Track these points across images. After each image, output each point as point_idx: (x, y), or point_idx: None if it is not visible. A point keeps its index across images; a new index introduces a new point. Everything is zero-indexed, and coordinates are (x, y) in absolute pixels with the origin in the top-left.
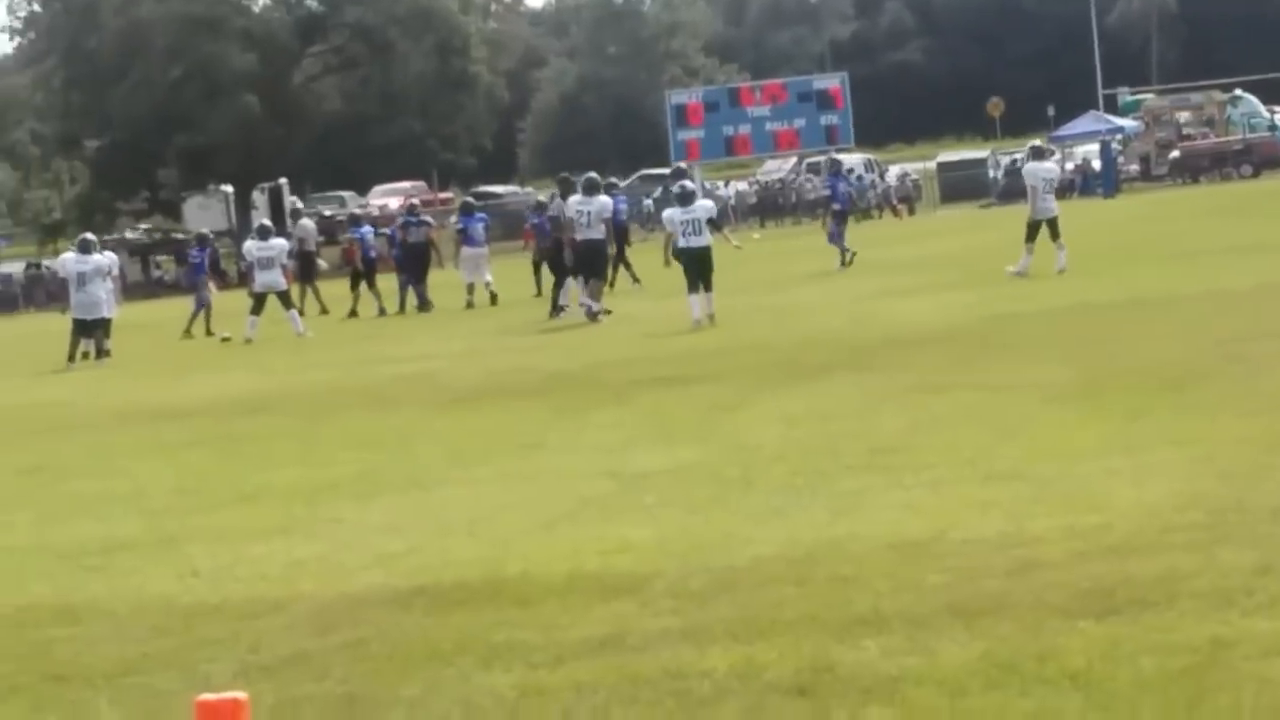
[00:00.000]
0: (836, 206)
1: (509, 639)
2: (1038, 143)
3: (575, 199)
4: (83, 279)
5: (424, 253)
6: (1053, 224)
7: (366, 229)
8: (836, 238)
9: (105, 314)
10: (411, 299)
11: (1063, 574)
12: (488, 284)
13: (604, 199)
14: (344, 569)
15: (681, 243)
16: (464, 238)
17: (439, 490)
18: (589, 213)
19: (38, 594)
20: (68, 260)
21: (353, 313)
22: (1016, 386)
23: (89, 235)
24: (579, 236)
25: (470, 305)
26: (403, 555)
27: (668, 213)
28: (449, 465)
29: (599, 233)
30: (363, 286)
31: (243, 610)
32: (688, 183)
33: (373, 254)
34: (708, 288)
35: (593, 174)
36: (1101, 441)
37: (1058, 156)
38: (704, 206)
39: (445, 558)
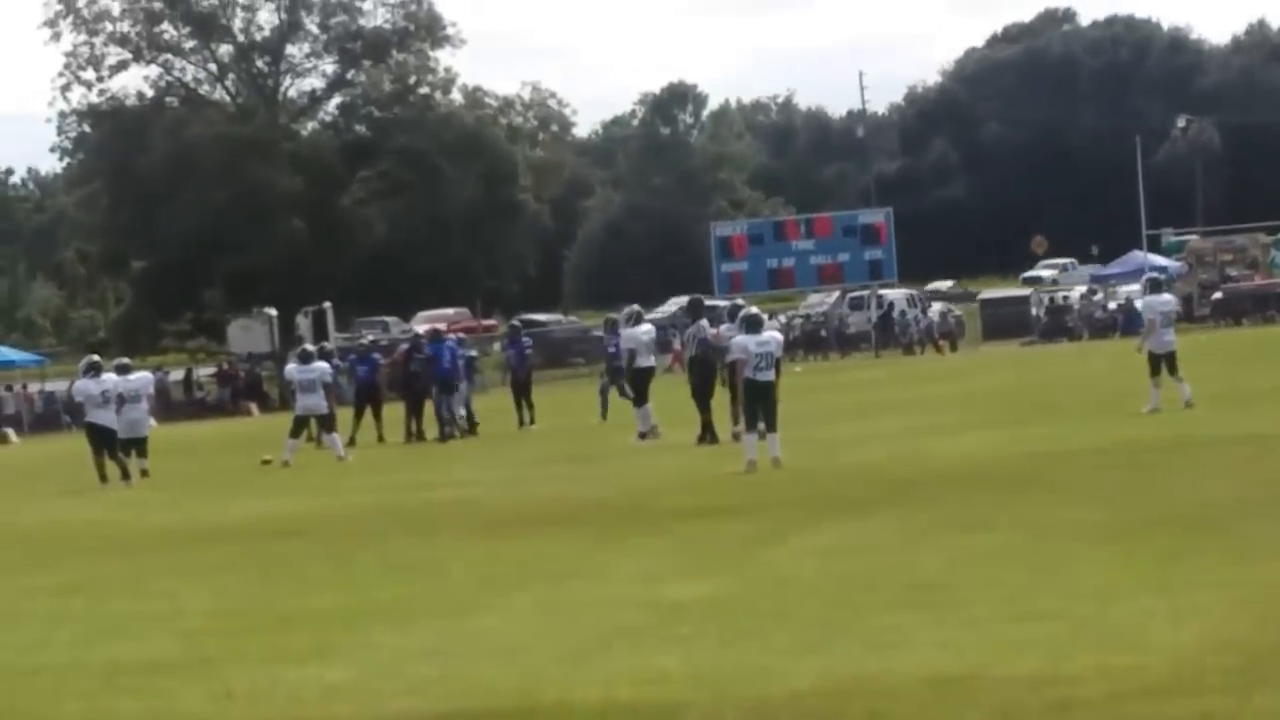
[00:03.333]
0: (616, 363)
1: None
2: (1155, 275)
3: (635, 330)
4: (105, 398)
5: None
6: (1171, 358)
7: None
8: (603, 390)
9: (131, 433)
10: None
11: (1099, 714)
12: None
13: (648, 326)
14: (379, 694)
15: (749, 373)
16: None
17: (474, 617)
18: (645, 341)
19: (72, 712)
20: (86, 384)
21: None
22: (1056, 526)
23: (95, 357)
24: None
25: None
26: (437, 681)
27: (739, 340)
28: (485, 592)
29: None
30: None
31: None
32: (754, 308)
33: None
34: (772, 428)
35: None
36: (1139, 582)
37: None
38: (775, 338)
39: (479, 684)
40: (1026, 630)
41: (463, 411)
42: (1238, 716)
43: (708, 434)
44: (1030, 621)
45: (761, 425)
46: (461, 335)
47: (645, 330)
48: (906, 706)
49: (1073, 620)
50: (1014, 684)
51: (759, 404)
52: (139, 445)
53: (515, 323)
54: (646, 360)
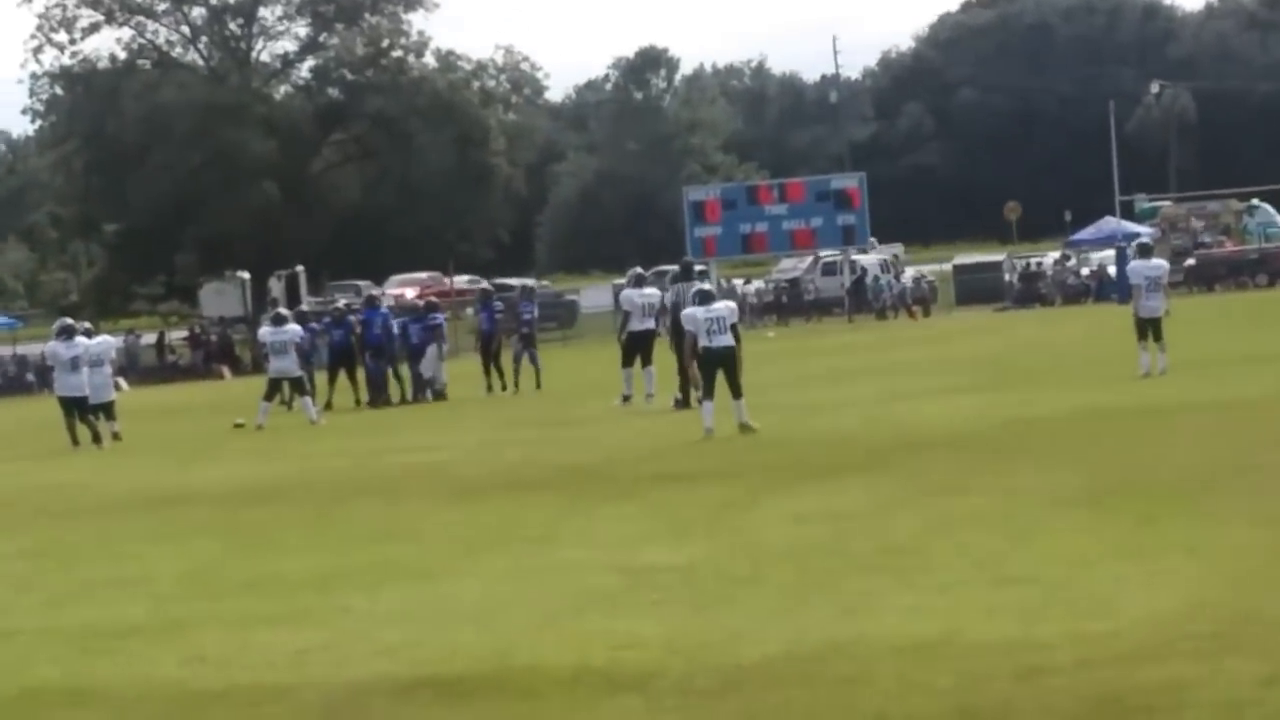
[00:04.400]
0: (526, 330)
1: None
2: (1144, 240)
3: (632, 291)
4: (75, 363)
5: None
6: (1156, 324)
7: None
8: (516, 358)
9: (96, 398)
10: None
11: (1070, 680)
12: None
13: (653, 290)
14: (350, 658)
15: (704, 341)
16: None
17: (447, 581)
18: (647, 303)
19: (44, 677)
20: (56, 347)
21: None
22: (1028, 491)
23: (68, 320)
24: (639, 328)
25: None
26: (409, 645)
27: (688, 311)
28: (457, 557)
29: (652, 323)
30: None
31: (248, 697)
32: (706, 285)
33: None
34: (737, 394)
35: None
36: (1111, 548)
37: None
38: (726, 307)
39: (452, 649)
40: (998, 595)
41: (431, 375)
42: (1209, 682)
43: (684, 399)
44: (1002, 587)
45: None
46: (434, 299)
47: (643, 293)
48: (878, 671)
49: (1045, 586)
50: (986, 649)
51: (717, 370)
52: (106, 409)
53: (487, 286)
54: (640, 324)
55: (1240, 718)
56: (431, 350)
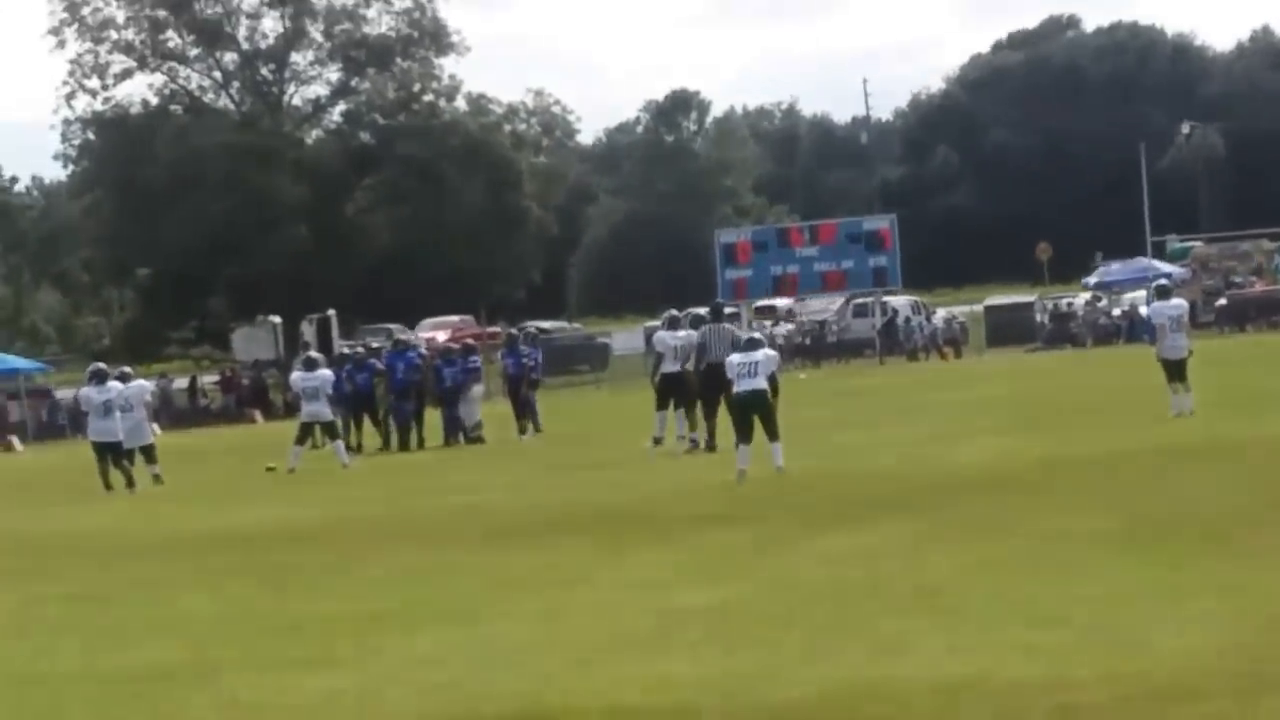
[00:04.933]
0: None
1: None
2: (1163, 281)
3: (665, 334)
4: (107, 408)
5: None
6: (1181, 365)
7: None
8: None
9: (131, 441)
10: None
11: (1106, 718)
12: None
13: (688, 332)
14: (384, 701)
15: (737, 386)
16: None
17: (481, 624)
18: (680, 346)
19: None
20: (89, 392)
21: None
22: (1062, 532)
23: (101, 365)
24: (670, 370)
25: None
26: (444, 687)
27: (731, 358)
28: (491, 599)
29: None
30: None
31: None
32: (757, 334)
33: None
34: (773, 437)
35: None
36: (1146, 588)
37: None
38: (765, 355)
39: (486, 690)
40: (1033, 636)
41: (477, 418)
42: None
43: (711, 442)
44: (1037, 627)
45: (758, 439)
46: (472, 342)
47: (676, 335)
48: (913, 712)
49: (1079, 626)
50: (1021, 689)
51: (748, 414)
52: (146, 452)
53: (513, 331)
54: (673, 366)
55: None
56: (473, 392)
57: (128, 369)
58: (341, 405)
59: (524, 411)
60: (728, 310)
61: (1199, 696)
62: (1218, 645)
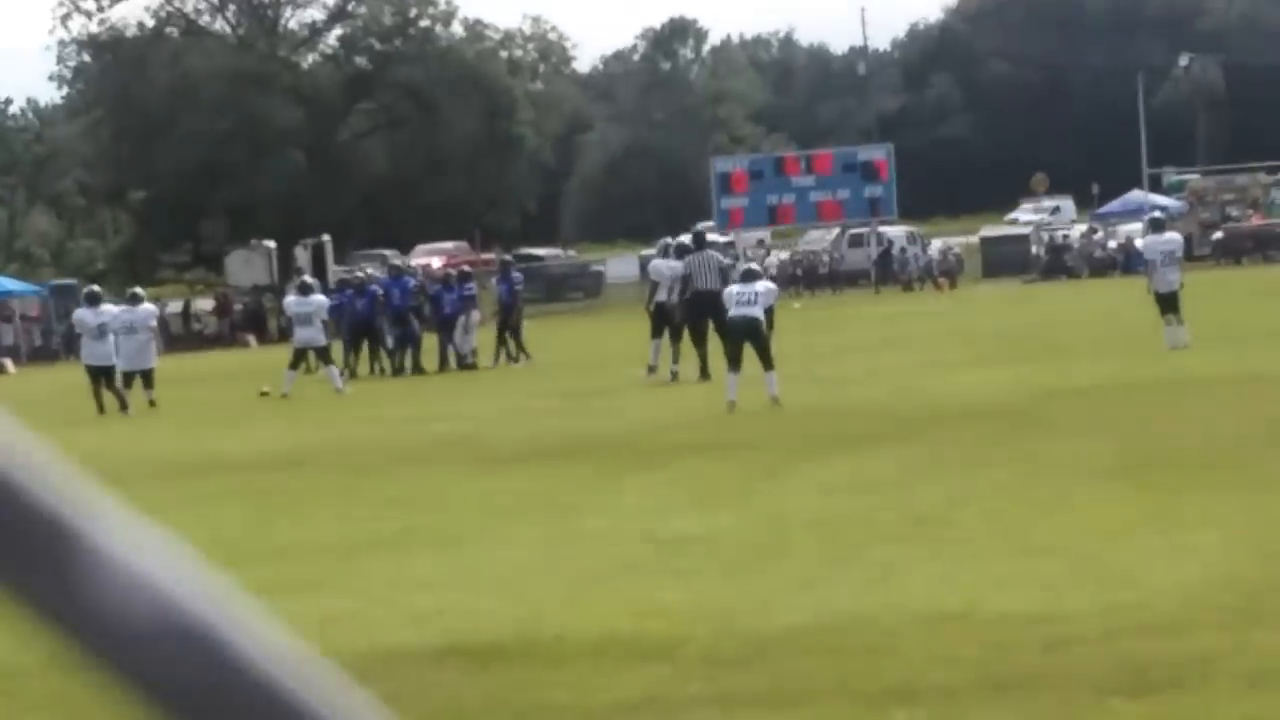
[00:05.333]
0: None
1: (540, 700)
2: (1157, 214)
3: (662, 262)
4: (101, 331)
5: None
6: (1174, 298)
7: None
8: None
9: (132, 365)
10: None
11: (1097, 651)
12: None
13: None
14: (377, 625)
15: (733, 311)
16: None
17: (473, 549)
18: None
19: None
20: (84, 314)
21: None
22: (1055, 462)
23: (95, 287)
24: (664, 298)
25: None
26: (436, 613)
27: (729, 289)
28: (484, 525)
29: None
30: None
31: None
32: (755, 265)
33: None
34: (767, 366)
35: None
36: (1140, 519)
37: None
38: (767, 288)
39: (478, 617)
40: (1025, 566)
41: (472, 345)
42: (1237, 654)
43: (704, 370)
44: (1029, 558)
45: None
46: (467, 268)
47: (672, 264)
48: (905, 641)
49: (1071, 557)
50: (1012, 620)
51: (742, 341)
52: (145, 376)
53: (506, 257)
54: (669, 295)
55: (1267, 688)
56: (469, 318)
57: (139, 291)
58: (343, 330)
59: (516, 338)
60: (722, 239)
61: (1191, 629)
62: (1210, 578)
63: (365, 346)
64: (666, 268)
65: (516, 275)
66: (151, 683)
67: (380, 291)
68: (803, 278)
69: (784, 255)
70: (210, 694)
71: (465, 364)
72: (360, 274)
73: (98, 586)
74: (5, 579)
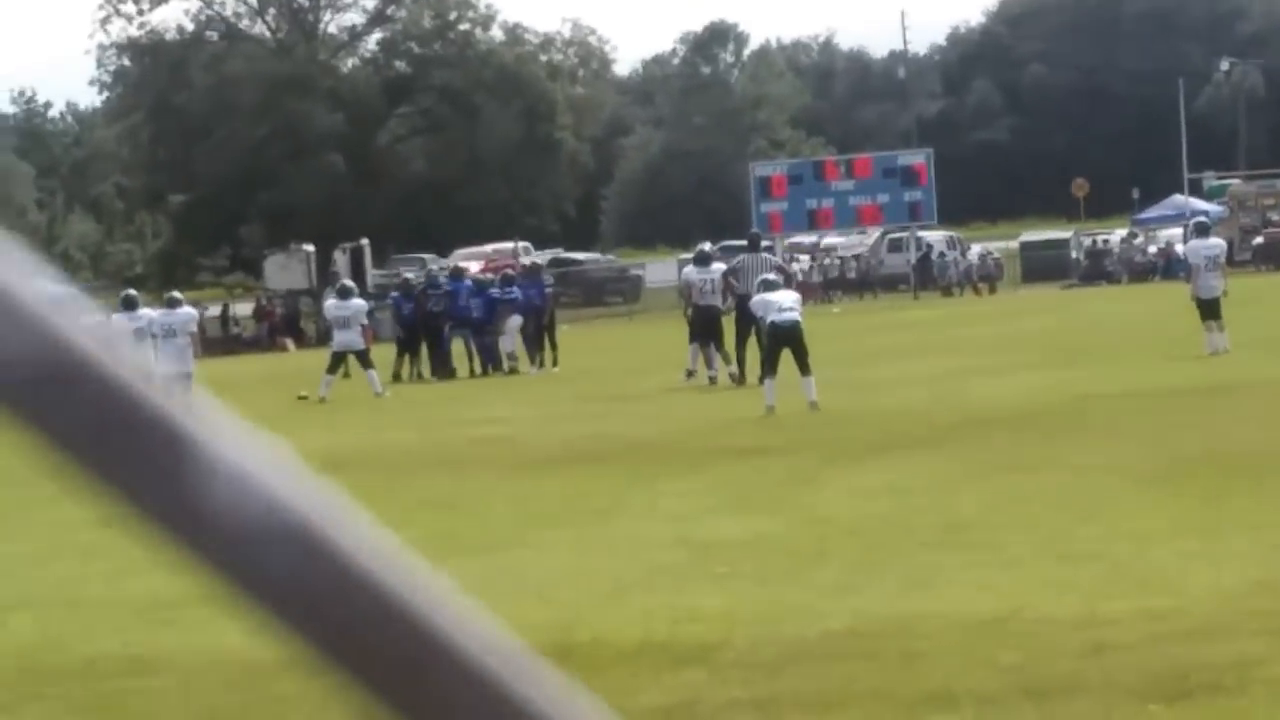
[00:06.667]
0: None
1: None
2: (1202, 219)
3: (693, 269)
4: (138, 336)
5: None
6: (1215, 304)
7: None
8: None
9: (170, 367)
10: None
11: (1136, 656)
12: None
13: (719, 266)
14: None
15: (773, 316)
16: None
17: (511, 553)
18: (710, 280)
19: (108, 646)
20: (120, 320)
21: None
22: (1095, 468)
23: (132, 292)
24: (702, 303)
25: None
26: None
27: (757, 298)
28: (522, 529)
29: (718, 300)
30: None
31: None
32: (771, 275)
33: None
34: (806, 371)
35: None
36: (1179, 525)
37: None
38: (796, 297)
39: (515, 621)
40: (1064, 571)
41: (511, 349)
42: (1276, 660)
43: (741, 374)
44: (1068, 563)
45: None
46: (510, 272)
47: (705, 271)
48: (943, 647)
49: (1110, 562)
50: (1051, 625)
51: (783, 347)
52: (184, 380)
53: (535, 261)
54: (704, 300)
55: None
56: (510, 322)
57: (178, 294)
58: (402, 332)
59: (551, 341)
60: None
61: (1231, 634)
62: (1249, 583)
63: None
64: (696, 274)
65: (547, 278)
66: (264, 586)
67: (439, 293)
68: (841, 282)
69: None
70: (322, 596)
71: (507, 368)
72: (411, 276)
73: (210, 489)
74: (119, 482)
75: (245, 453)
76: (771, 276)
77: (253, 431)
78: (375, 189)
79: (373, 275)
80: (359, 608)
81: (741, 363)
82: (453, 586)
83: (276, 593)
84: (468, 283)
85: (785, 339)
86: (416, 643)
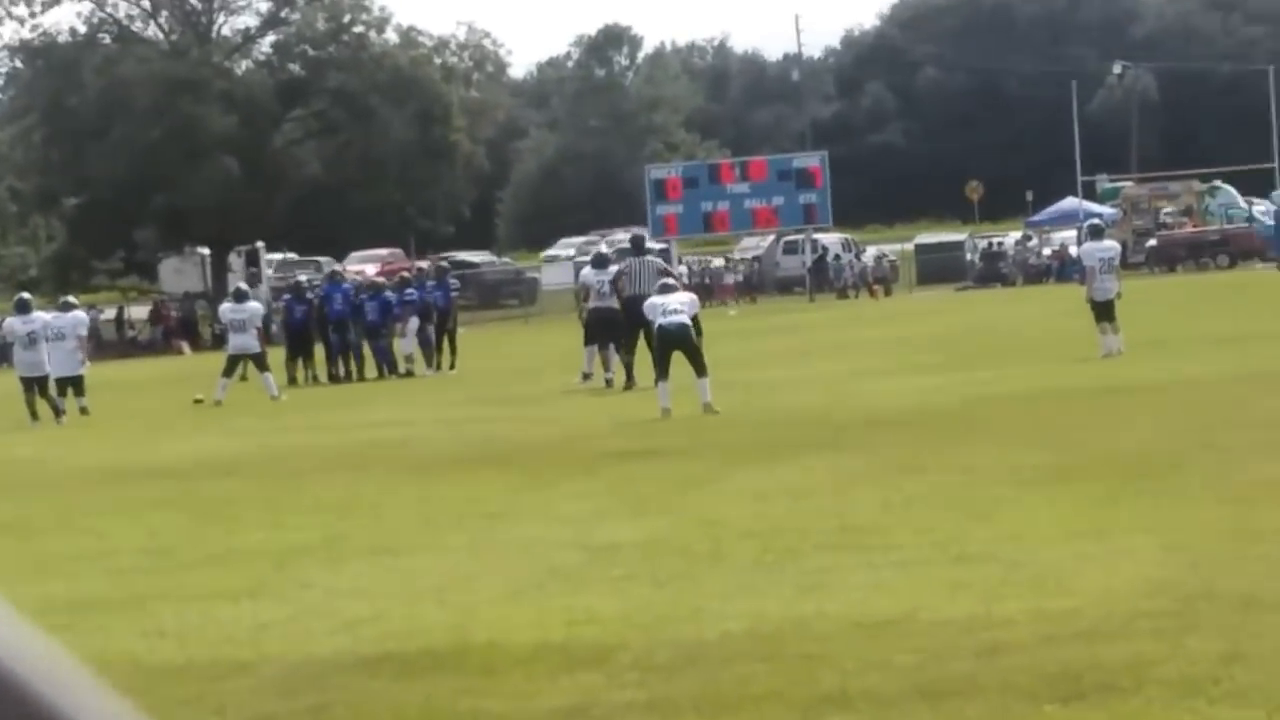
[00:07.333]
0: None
1: (474, 708)
2: (1095, 221)
3: (590, 271)
4: (31, 339)
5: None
6: (1110, 306)
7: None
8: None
9: (60, 371)
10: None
11: (1030, 657)
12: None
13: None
14: (311, 633)
15: (661, 320)
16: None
17: (407, 557)
18: (605, 282)
19: None
20: (13, 323)
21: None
22: (989, 469)
23: (25, 295)
24: (600, 305)
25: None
26: (370, 621)
27: (648, 302)
28: (418, 532)
29: (615, 302)
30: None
31: (209, 672)
32: (670, 280)
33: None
34: (701, 373)
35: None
36: (1072, 526)
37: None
38: (691, 298)
39: (412, 624)
40: (959, 573)
41: (408, 351)
42: (1169, 660)
43: (629, 378)
44: (963, 564)
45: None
46: (405, 274)
47: (602, 274)
48: (839, 648)
49: (1005, 563)
50: (946, 626)
51: (671, 350)
52: (74, 384)
53: (443, 263)
54: (601, 302)
55: (1200, 695)
56: (407, 325)
57: (72, 299)
58: (287, 336)
59: (451, 344)
60: (658, 246)
61: (1126, 635)
62: (1144, 584)
63: (303, 353)
64: (594, 277)
65: (453, 281)
66: None
67: (315, 299)
68: (738, 284)
69: (719, 261)
70: None
71: (402, 371)
72: (302, 279)
73: None
74: None
75: None
76: (670, 280)
77: None
78: (270, 192)
79: (269, 278)
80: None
81: (628, 366)
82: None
83: None
84: (348, 287)
85: (673, 341)
86: None
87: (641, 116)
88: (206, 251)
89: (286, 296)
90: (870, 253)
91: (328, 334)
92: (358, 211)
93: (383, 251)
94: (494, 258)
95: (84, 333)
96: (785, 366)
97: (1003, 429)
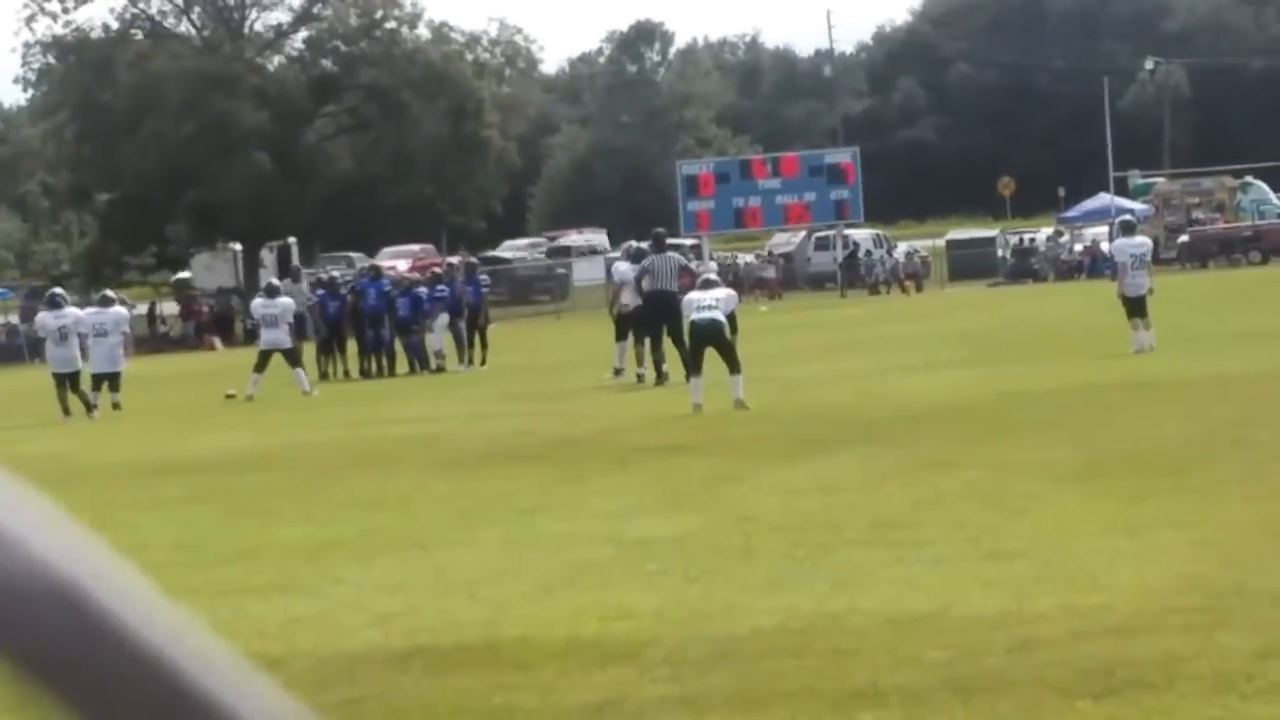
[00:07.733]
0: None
1: (506, 703)
2: (1128, 217)
3: (626, 266)
4: (63, 333)
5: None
6: (1141, 302)
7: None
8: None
9: (100, 367)
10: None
11: (1062, 653)
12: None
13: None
14: (343, 628)
15: (694, 315)
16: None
17: (439, 552)
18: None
19: None
20: (45, 318)
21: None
22: (1022, 465)
23: (58, 290)
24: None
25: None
26: (401, 616)
27: (688, 296)
28: (450, 527)
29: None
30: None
31: None
32: (712, 275)
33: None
34: (734, 369)
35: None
36: (1104, 522)
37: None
38: (728, 294)
39: (444, 619)
40: (991, 569)
41: (439, 347)
42: (1201, 656)
43: (659, 374)
44: (995, 560)
45: (717, 370)
46: (439, 270)
47: (636, 267)
48: (871, 643)
49: (1037, 559)
50: (978, 623)
51: (704, 346)
52: (111, 379)
53: (472, 259)
54: (633, 299)
55: (1232, 691)
56: (439, 321)
57: (110, 293)
58: (317, 331)
59: (482, 340)
60: (689, 242)
61: (1157, 631)
62: (1176, 580)
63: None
64: (630, 271)
65: (483, 277)
66: (19, 645)
67: (348, 294)
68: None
69: (749, 257)
70: (79, 658)
71: (434, 367)
72: (334, 274)
73: None
74: None
75: (7, 513)
76: (712, 276)
77: (16, 490)
78: (302, 188)
79: (304, 275)
80: (121, 667)
81: (658, 363)
82: (221, 648)
83: (33, 654)
84: (384, 283)
85: (706, 337)
86: (180, 703)
87: (673, 112)
88: (238, 247)
89: (320, 292)
90: (901, 248)
91: (362, 329)
92: (389, 207)
93: (414, 247)
94: (526, 254)
95: (128, 329)
96: (816, 362)
97: (1034, 425)
